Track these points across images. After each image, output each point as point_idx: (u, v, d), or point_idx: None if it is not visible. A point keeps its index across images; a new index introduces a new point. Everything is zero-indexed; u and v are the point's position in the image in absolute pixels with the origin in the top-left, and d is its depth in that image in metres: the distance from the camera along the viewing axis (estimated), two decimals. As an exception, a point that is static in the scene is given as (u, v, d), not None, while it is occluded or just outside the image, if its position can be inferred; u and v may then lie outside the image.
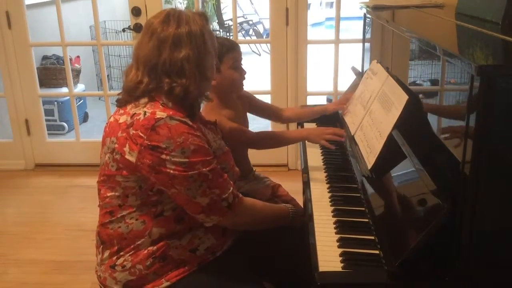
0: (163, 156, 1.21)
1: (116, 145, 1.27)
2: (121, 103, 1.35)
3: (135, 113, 1.26)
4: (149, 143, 1.22)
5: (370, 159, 1.41)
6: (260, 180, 1.83)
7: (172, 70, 1.28)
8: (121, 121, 1.29)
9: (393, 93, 1.47)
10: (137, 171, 1.26)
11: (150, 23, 1.32)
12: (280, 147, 1.86)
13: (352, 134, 1.66)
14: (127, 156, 1.25)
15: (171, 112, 1.25)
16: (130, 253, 1.33)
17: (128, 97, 1.33)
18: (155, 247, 1.32)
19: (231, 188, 1.31)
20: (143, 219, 1.32)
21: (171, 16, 1.30)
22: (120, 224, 1.33)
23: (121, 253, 1.34)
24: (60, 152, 3.60)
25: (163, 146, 1.21)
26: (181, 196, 1.26)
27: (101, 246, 1.38)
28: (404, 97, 1.36)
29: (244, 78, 1.69)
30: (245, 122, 1.82)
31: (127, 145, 1.25)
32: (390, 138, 1.37)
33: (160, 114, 1.24)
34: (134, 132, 1.24)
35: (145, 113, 1.25)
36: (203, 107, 1.69)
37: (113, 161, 1.29)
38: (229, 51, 1.63)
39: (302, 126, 2.05)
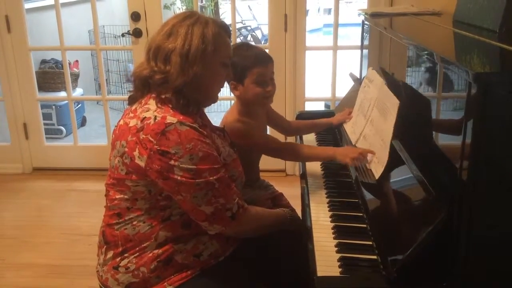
0: (172, 162, 1.22)
1: (126, 149, 1.27)
2: (132, 100, 1.37)
3: (145, 117, 1.26)
4: (158, 148, 1.22)
5: (378, 170, 1.40)
6: (265, 188, 1.83)
7: (160, 56, 1.29)
8: (131, 124, 1.28)
9: (387, 99, 1.47)
10: (146, 176, 1.26)
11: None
12: (302, 162, 1.79)
13: (354, 143, 1.67)
14: (137, 161, 1.25)
15: (181, 117, 1.25)
16: (135, 255, 1.33)
17: (136, 91, 1.35)
18: (160, 251, 1.32)
19: (237, 199, 1.31)
20: (150, 222, 1.32)
21: (186, 12, 1.34)
22: (127, 226, 1.33)
23: (126, 255, 1.33)
24: (58, 156, 3.60)
25: (172, 152, 1.21)
26: (186, 203, 1.26)
27: (105, 247, 1.38)
28: (396, 102, 1.37)
29: (268, 94, 1.63)
30: (266, 130, 1.83)
31: (137, 149, 1.25)
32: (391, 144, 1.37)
33: (170, 119, 1.24)
34: (144, 136, 1.24)
35: (155, 117, 1.25)
36: (228, 112, 1.71)
37: (123, 165, 1.29)
38: (255, 65, 1.58)
39: (301, 138, 2.05)
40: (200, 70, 1.28)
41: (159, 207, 1.31)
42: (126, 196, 1.32)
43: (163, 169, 1.22)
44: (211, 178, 1.25)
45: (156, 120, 1.24)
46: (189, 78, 1.27)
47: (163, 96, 1.29)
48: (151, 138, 1.22)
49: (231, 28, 3.40)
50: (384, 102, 1.50)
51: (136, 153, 1.25)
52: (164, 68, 1.28)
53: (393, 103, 1.39)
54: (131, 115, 1.31)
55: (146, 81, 1.32)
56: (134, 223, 1.33)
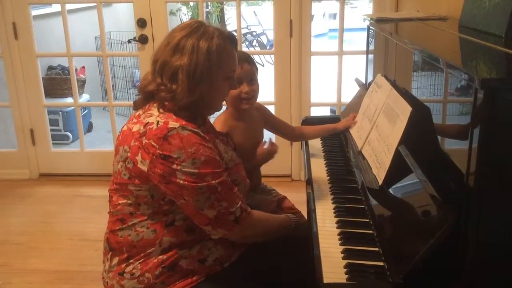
0: (174, 166, 1.22)
1: (129, 154, 1.28)
2: (137, 106, 1.38)
3: (148, 122, 1.27)
4: (160, 153, 1.23)
5: (380, 175, 1.40)
6: (267, 192, 1.83)
7: (166, 73, 1.29)
8: (134, 130, 1.29)
9: (397, 105, 1.47)
10: (149, 180, 1.27)
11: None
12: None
13: (359, 148, 1.66)
14: (139, 165, 1.26)
15: (183, 122, 1.26)
16: (140, 261, 1.33)
17: (142, 98, 1.36)
18: (165, 256, 1.32)
19: (239, 202, 1.31)
20: (154, 227, 1.32)
21: (192, 24, 1.33)
22: (130, 232, 1.34)
23: (131, 261, 1.34)
24: (65, 161, 3.61)
25: (175, 156, 1.22)
26: (189, 207, 1.27)
27: (110, 253, 1.38)
28: (408, 109, 1.37)
29: (246, 95, 1.62)
30: (260, 135, 1.82)
31: (139, 154, 1.26)
32: (397, 150, 1.37)
33: (172, 124, 1.25)
34: (146, 141, 1.25)
35: (158, 122, 1.26)
36: (216, 118, 1.71)
37: (126, 170, 1.30)
38: None
39: (307, 144, 2.05)
40: (206, 89, 1.30)
41: (162, 212, 1.32)
42: (129, 201, 1.33)
43: (165, 173, 1.23)
44: (213, 182, 1.25)
45: (159, 125, 1.25)
46: (195, 98, 1.29)
47: (166, 103, 1.30)
48: (153, 143, 1.24)
49: (236, 34, 3.44)
50: (393, 108, 1.50)
51: (138, 157, 1.26)
52: (171, 86, 1.29)
53: (404, 110, 1.39)
54: (135, 120, 1.33)
55: (151, 93, 1.33)
56: (138, 229, 1.33)
